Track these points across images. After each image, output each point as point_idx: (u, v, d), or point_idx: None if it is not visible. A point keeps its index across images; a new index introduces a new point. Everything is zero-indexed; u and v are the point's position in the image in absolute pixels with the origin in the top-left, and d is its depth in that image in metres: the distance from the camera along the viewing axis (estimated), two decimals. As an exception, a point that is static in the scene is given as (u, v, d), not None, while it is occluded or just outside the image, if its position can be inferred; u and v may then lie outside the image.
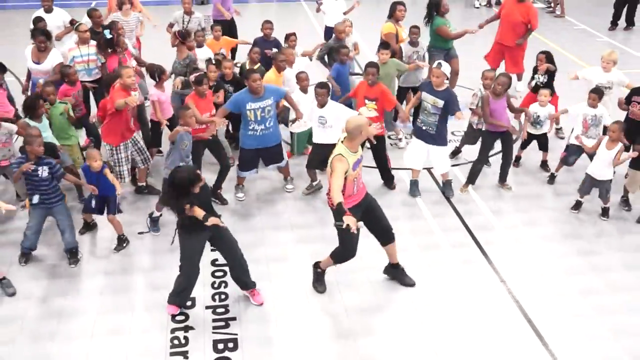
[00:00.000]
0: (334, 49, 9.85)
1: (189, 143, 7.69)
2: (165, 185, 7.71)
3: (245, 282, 6.80)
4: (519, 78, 11.82)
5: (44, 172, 7.08)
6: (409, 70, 9.62)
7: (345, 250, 6.69)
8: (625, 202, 8.52)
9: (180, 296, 6.64)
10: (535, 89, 9.71)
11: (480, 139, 8.92)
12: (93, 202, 7.63)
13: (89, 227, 8.02)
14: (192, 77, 8.58)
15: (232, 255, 6.63)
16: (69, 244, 7.41)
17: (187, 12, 11.02)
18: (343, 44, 9.79)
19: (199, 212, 6.12)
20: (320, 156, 8.26)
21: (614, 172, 8.20)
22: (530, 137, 9.19)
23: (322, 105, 8.23)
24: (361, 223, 6.31)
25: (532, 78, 9.97)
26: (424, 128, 8.40)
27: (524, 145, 9.42)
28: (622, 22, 16.46)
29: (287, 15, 17.22)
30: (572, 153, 8.83)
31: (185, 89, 9.08)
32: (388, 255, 7.04)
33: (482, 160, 8.75)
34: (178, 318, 6.66)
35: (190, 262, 6.45)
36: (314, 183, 8.80)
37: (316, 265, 7.05)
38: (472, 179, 8.81)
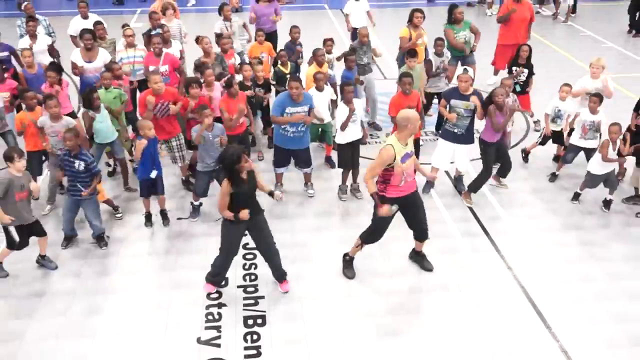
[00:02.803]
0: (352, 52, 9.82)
1: (208, 138, 7.64)
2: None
3: (277, 274, 6.83)
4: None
5: (80, 165, 7.14)
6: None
7: (373, 233, 6.76)
8: (637, 198, 8.39)
9: (217, 277, 6.71)
10: (520, 89, 9.75)
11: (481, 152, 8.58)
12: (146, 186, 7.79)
13: (150, 217, 8.05)
14: (222, 82, 8.54)
15: (265, 249, 6.66)
16: (97, 231, 7.52)
17: (226, 19, 11.01)
18: (350, 52, 9.69)
19: (228, 214, 6.18)
20: (350, 154, 8.26)
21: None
22: (551, 134, 9.08)
23: (349, 102, 8.09)
24: (395, 207, 6.28)
25: (509, 72, 9.90)
26: (455, 131, 8.20)
27: (544, 142, 9.26)
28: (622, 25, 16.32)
29: (313, 21, 17.21)
30: (571, 152, 8.78)
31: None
32: (416, 244, 7.11)
33: (489, 172, 8.36)
34: (212, 296, 6.74)
35: (228, 247, 6.51)
36: (345, 185, 8.62)
37: (345, 254, 7.10)
38: (475, 188, 8.48)
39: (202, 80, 8.46)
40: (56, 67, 8.80)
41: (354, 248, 6.97)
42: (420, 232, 6.90)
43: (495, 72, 12.16)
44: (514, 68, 9.88)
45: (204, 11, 17.91)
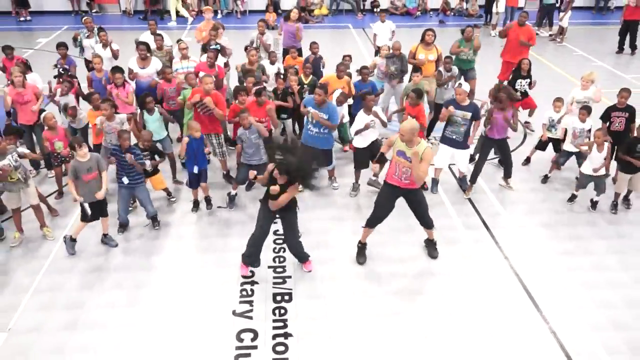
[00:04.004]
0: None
1: (248, 139, 7.68)
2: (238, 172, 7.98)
3: (299, 256, 6.90)
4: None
5: (127, 158, 7.25)
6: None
7: (375, 217, 6.85)
8: (627, 201, 8.33)
9: (250, 257, 6.76)
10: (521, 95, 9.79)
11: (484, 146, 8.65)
12: (191, 179, 7.93)
13: (197, 204, 8.15)
14: (254, 90, 8.54)
15: (288, 238, 6.72)
16: (150, 213, 7.63)
17: (261, 33, 11.05)
18: (366, 67, 9.60)
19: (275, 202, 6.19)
20: (366, 157, 8.26)
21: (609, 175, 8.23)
22: (548, 140, 9.05)
23: (370, 111, 8.07)
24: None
25: (512, 84, 9.87)
26: (453, 137, 8.20)
27: (542, 147, 9.20)
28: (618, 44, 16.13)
29: (339, 39, 17.24)
30: (563, 156, 8.75)
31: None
32: (425, 232, 7.15)
33: (482, 163, 8.43)
34: (246, 275, 6.82)
35: (260, 228, 6.55)
36: (357, 184, 8.62)
37: (359, 242, 7.14)
38: (474, 178, 8.53)
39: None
40: (121, 70, 8.92)
41: (364, 234, 7.04)
42: (423, 223, 6.98)
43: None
44: (517, 81, 9.91)
45: (244, 28, 18.01)
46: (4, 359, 5.65)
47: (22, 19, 19.56)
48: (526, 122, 10.60)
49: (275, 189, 6.10)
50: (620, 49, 16.03)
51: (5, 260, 7.10)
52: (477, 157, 8.56)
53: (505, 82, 10.35)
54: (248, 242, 6.69)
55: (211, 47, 9.88)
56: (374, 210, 6.88)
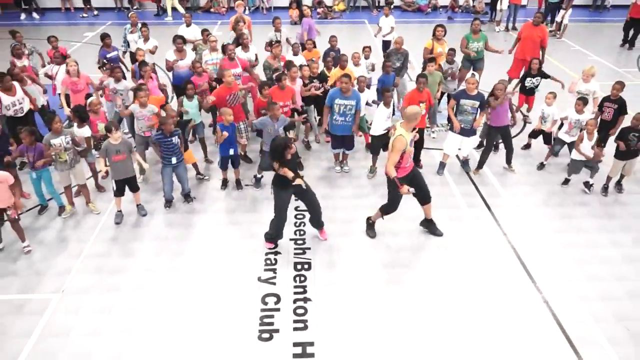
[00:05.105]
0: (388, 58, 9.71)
1: (272, 127, 7.61)
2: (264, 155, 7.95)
3: (318, 223, 6.92)
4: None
5: (175, 140, 7.33)
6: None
7: (390, 207, 6.76)
8: (619, 185, 8.18)
9: (274, 237, 6.79)
10: (529, 92, 9.60)
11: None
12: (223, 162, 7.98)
13: (226, 182, 8.19)
14: (274, 75, 8.55)
15: (311, 205, 6.71)
16: (185, 189, 7.71)
17: (277, 30, 10.91)
18: (388, 59, 9.50)
19: (289, 174, 6.23)
20: (381, 143, 8.19)
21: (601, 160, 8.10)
22: (540, 131, 8.94)
23: (389, 105, 7.99)
24: (412, 190, 6.17)
25: (522, 82, 9.71)
26: (462, 125, 8.10)
27: (534, 135, 9.10)
28: (616, 40, 15.75)
29: (355, 33, 17.05)
30: (557, 144, 8.62)
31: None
32: (424, 212, 7.01)
33: (489, 149, 8.42)
34: (271, 247, 6.86)
35: (280, 210, 6.56)
36: (375, 167, 8.54)
37: (368, 218, 7.12)
38: (481, 164, 8.49)
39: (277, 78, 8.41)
40: (146, 64, 8.90)
41: (375, 215, 6.98)
42: (424, 195, 6.78)
43: (509, 81, 11.82)
44: (528, 79, 9.71)
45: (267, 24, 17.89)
46: (58, 317, 5.80)
47: (85, 15, 19.23)
48: (524, 116, 10.39)
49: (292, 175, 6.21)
50: (625, 42, 15.74)
51: (59, 230, 7.24)
52: (484, 142, 8.49)
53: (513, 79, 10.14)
54: (270, 225, 6.72)
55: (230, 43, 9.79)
56: (392, 203, 6.69)
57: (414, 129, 6.47)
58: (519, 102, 9.98)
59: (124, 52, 11.19)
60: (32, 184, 7.41)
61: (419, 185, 6.66)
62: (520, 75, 10.16)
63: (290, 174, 6.22)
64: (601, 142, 8.01)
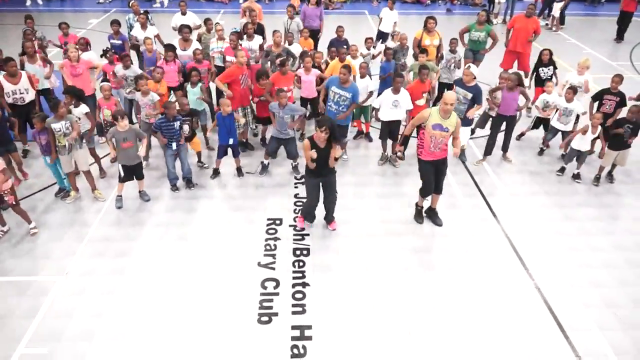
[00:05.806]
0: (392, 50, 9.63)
1: (280, 118, 7.64)
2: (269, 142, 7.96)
3: (328, 215, 6.91)
4: (526, 75, 11.36)
5: (177, 125, 7.33)
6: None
7: (424, 188, 6.88)
8: (610, 176, 8.21)
9: (308, 216, 6.88)
10: (542, 82, 9.43)
11: (490, 123, 8.64)
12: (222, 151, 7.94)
13: (217, 172, 8.13)
14: (278, 61, 8.52)
15: (327, 198, 6.72)
16: (187, 173, 7.71)
17: (290, 17, 10.80)
18: (389, 47, 9.47)
19: (313, 154, 6.17)
20: (389, 129, 8.16)
21: (593, 152, 8.15)
22: (541, 120, 8.90)
23: (397, 91, 7.95)
24: (314, 154, 6.16)
25: (535, 72, 9.63)
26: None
27: (536, 126, 9.04)
28: (611, 35, 15.68)
29: (355, 24, 16.92)
30: (551, 133, 8.63)
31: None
32: (432, 200, 7.08)
33: (494, 139, 8.43)
34: (269, 231, 6.85)
35: (311, 194, 6.62)
36: (385, 153, 8.54)
37: (416, 204, 7.14)
38: (489, 151, 8.50)
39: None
40: (172, 47, 8.88)
41: (420, 200, 7.05)
42: (437, 189, 6.91)
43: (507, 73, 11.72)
44: (540, 69, 9.64)
45: (272, 13, 17.75)
46: (62, 299, 5.81)
47: (101, 1, 19.03)
48: (529, 108, 10.34)
49: (313, 153, 6.15)
50: (619, 36, 15.68)
51: (63, 214, 7.24)
52: (483, 131, 8.53)
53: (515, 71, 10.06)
54: (304, 205, 6.83)
55: (232, 30, 9.70)
56: (424, 184, 6.85)
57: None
58: (535, 95, 9.70)
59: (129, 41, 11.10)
60: (49, 169, 7.43)
61: (436, 178, 6.80)
62: (532, 68, 10.04)
63: (312, 155, 6.14)
64: (605, 135, 7.98)
